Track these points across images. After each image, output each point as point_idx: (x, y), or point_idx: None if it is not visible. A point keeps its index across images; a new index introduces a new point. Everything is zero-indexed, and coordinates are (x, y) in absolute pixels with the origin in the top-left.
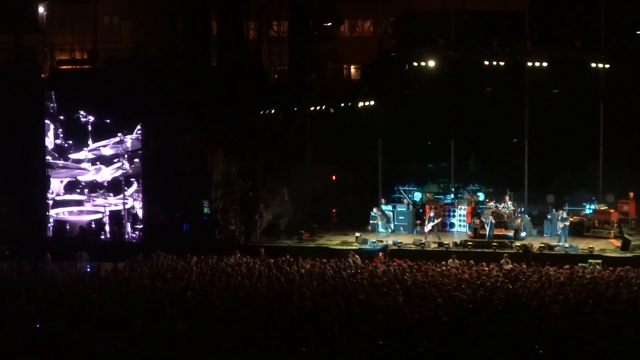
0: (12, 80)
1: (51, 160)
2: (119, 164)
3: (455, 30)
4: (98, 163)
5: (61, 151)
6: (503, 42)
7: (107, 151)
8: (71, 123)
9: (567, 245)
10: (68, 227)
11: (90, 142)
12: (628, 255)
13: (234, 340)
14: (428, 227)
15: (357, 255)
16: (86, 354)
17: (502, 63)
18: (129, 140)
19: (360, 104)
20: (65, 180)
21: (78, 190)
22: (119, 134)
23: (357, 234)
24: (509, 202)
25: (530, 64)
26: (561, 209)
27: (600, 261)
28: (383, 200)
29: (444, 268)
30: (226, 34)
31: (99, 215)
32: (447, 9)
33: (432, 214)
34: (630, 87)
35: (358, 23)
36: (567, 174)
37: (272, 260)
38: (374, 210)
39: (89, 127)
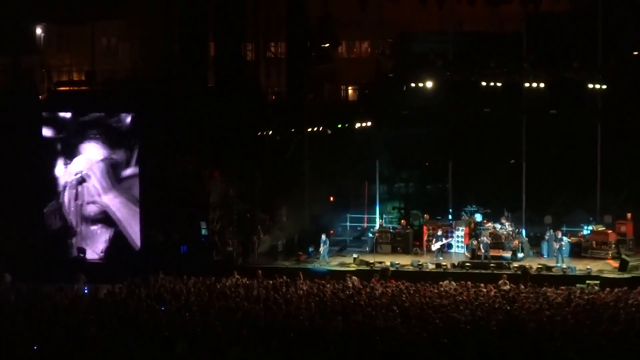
0: (9, 102)
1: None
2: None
3: (452, 51)
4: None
5: None
6: (500, 63)
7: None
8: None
9: (564, 266)
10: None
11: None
12: (626, 276)
13: None
14: (436, 245)
15: (355, 277)
16: None
17: (499, 84)
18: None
19: (358, 124)
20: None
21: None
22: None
23: (355, 255)
24: (507, 223)
25: (527, 84)
26: (559, 229)
27: (598, 282)
28: (323, 236)
29: (442, 289)
30: (223, 55)
31: None
32: (444, 30)
33: (439, 233)
34: (628, 107)
35: (355, 44)
36: (564, 195)
37: (270, 282)
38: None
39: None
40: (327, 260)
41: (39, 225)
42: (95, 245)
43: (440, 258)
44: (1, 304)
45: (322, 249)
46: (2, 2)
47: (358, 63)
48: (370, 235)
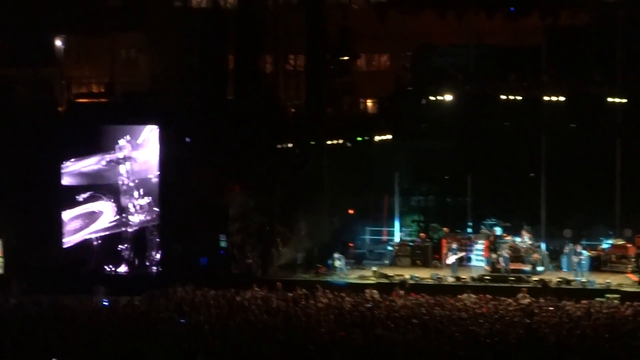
0: (29, 114)
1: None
2: None
3: (472, 64)
4: None
5: None
6: (520, 77)
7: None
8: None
9: (584, 279)
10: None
11: None
12: None
13: None
14: (451, 259)
15: (374, 290)
16: None
17: (518, 97)
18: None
19: (377, 137)
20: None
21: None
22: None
23: (374, 268)
24: (527, 237)
25: (547, 98)
26: (578, 243)
27: (618, 296)
28: (336, 254)
29: (461, 303)
30: (242, 68)
31: None
32: (463, 44)
33: (454, 246)
34: None
35: (375, 57)
36: (584, 209)
37: (289, 294)
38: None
39: None
40: (347, 273)
41: (58, 237)
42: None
43: (455, 272)
44: (16, 313)
45: (339, 264)
46: (22, 14)
47: (377, 76)
48: (390, 248)
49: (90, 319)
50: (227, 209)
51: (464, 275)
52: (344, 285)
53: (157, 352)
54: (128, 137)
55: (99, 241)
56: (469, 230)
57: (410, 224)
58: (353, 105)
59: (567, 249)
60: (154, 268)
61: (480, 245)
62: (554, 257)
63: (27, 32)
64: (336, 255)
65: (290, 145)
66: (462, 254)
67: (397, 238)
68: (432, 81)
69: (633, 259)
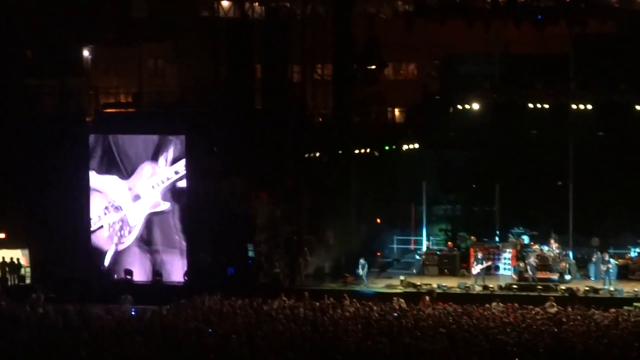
0: (57, 124)
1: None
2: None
3: (499, 73)
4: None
5: None
6: (547, 85)
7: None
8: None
9: (612, 288)
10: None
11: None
12: None
13: None
14: (476, 269)
15: (402, 299)
16: None
17: (546, 106)
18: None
19: (405, 146)
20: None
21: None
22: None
23: (402, 277)
24: (554, 245)
25: (574, 106)
26: (606, 252)
27: None
28: (362, 260)
29: (488, 311)
30: (270, 78)
31: None
32: (491, 52)
33: (479, 256)
34: None
35: (402, 66)
36: (612, 217)
37: (317, 304)
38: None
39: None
40: (366, 283)
41: (86, 247)
42: (142, 266)
43: (481, 282)
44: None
45: (362, 272)
46: (50, 25)
47: (404, 85)
48: (417, 257)
49: (118, 328)
50: (255, 219)
51: (492, 284)
52: (372, 295)
53: None
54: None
55: (126, 250)
56: (497, 239)
57: (438, 233)
58: (380, 114)
59: (594, 258)
60: (182, 278)
61: (507, 254)
62: (582, 265)
63: (55, 42)
64: (361, 261)
65: (317, 154)
66: (489, 263)
67: (424, 247)
68: (459, 90)
69: None
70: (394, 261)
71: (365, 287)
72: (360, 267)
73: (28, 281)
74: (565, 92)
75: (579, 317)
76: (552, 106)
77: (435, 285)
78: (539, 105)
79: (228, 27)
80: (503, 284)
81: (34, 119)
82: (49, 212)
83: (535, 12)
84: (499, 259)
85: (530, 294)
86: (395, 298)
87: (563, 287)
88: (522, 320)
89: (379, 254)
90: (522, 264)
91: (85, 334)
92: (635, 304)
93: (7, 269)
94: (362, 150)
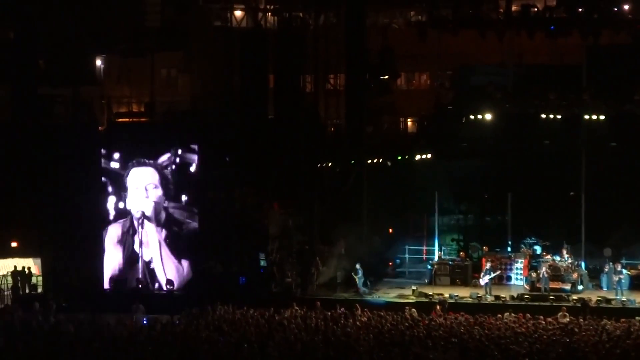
0: (69, 133)
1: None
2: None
3: (512, 83)
4: None
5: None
6: (560, 96)
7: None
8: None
9: (624, 298)
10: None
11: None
12: None
13: None
14: (485, 279)
15: (413, 309)
16: None
17: (559, 116)
18: None
19: (417, 156)
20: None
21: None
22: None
23: (414, 287)
24: (566, 255)
25: (587, 117)
26: (618, 262)
27: None
28: (357, 265)
29: (500, 322)
30: (283, 87)
31: None
32: (504, 62)
33: (488, 267)
34: None
35: (415, 76)
36: (624, 228)
37: (328, 313)
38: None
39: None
40: (363, 290)
41: (97, 256)
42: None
43: (490, 293)
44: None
45: (357, 277)
46: (63, 34)
47: (417, 95)
48: (429, 267)
49: (130, 338)
50: (267, 228)
51: (504, 294)
52: (383, 304)
53: None
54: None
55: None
56: (509, 249)
57: (450, 243)
58: (393, 124)
59: (607, 268)
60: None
61: (519, 264)
62: (594, 275)
63: (68, 52)
64: (357, 266)
65: (330, 164)
66: (497, 273)
67: (436, 257)
68: (472, 100)
69: None
70: (406, 271)
71: (363, 293)
72: (356, 272)
73: (40, 290)
74: (578, 103)
75: (591, 328)
76: (564, 117)
77: (447, 295)
78: (551, 116)
79: (241, 37)
80: (515, 294)
81: (47, 128)
82: (62, 221)
83: (548, 22)
84: (511, 269)
85: (543, 304)
86: (407, 308)
87: (575, 297)
88: (534, 330)
89: (390, 263)
90: (534, 274)
91: (97, 343)
92: None
93: (19, 277)
94: (375, 160)
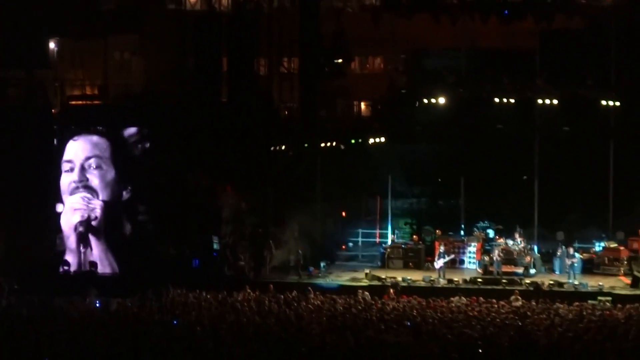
0: (23, 116)
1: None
2: None
3: (465, 67)
4: None
5: None
6: (513, 80)
7: None
8: None
9: (576, 282)
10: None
11: None
12: (638, 292)
13: None
14: (439, 263)
15: (366, 292)
16: None
17: (512, 100)
18: None
19: (371, 140)
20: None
21: None
22: None
23: (367, 271)
24: (519, 239)
25: (540, 101)
26: (571, 246)
27: (610, 298)
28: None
29: (453, 305)
30: (236, 70)
31: None
32: (457, 47)
33: (441, 250)
34: None
35: (368, 60)
36: (577, 212)
37: (281, 296)
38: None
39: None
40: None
41: (50, 238)
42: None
43: (444, 276)
44: (7, 314)
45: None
46: (16, 17)
47: (371, 79)
48: (382, 250)
49: (82, 320)
50: (220, 211)
51: (457, 277)
52: (336, 288)
53: (149, 353)
54: None
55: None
56: (462, 232)
57: (403, 227)
58: (346, 108)
59: (559, 252)
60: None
61: (472, 248)
62: (547, 259)
63: (21, 34)
64: (299, 252)
65: (283, 147)
66: (451, 256)
67: (389, 240)
68: (425, 84)
69: (625, 262)
70: (359, 255)
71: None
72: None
73: None
74: (531, 87)
75: (543, 311)
76: (518, 101)
77: (400, 279)
78: (505, 100)
79: (195, 20)
80: (468, 278)
81: (0, 110)
82: (14, 204)
83: (502, 7)
84: (464, 253)
85: (495, 287)
86: (360, 291)
87: (528, 280)
88: (487, 313)
89: (343, 247)
90: (487, 258)
91: (50, 325)
92: (599, 298)
93: None
94: (328, 144)
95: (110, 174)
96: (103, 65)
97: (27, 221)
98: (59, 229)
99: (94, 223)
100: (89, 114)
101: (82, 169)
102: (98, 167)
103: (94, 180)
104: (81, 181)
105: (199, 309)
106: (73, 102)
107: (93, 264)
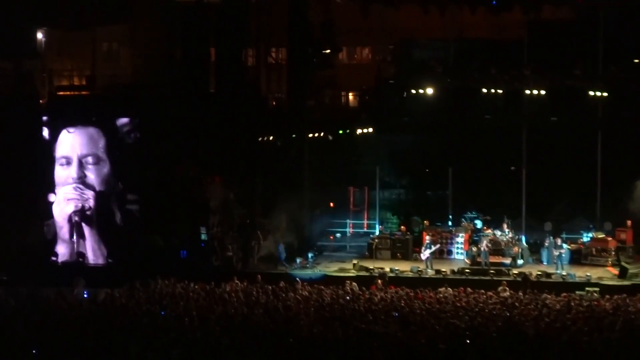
0: (10, 106)
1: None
2: None
3: (453, 58)
4: None
5: None
6: (501, 70)
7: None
8: None
9: (564, 273)
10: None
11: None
12: (625, 283)
13: None
14: (426, 254)
15: (354, 283)
16: None
17: (500, 91)
18: None
19: (359, 131)
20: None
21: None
22: None
23: (355, 261)
24: (507, 230)
25: (528, 91)
26: (559, 236)
27: (597, 289)
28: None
29: (441, 295)
30: (224, 61)
31: None
32: (445, 37)
33: (429, 241)
34: (628, 115)
35: (356, 50)
36: (564, 202)
37: (269, 287)
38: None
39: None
40: (286, 265)
41: (38, 229)
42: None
43: (431, 267)
44: None
45: (282, 256)
46: (3, 7)
47: (359, 69)
48: (370, 241)
49: (70, 310)
50: (208, 202)
51: (444, 268)
52: (324, 278)
53: (137, 344)
54: None
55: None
56: (450, 223)
57: (391, 217)
58: (335, 98)
59: (547, 242)
60: (135, 260)
61: (460, 239)
62: (534, 250)
63: (9, 24)
64: (280, 247)
65: (271, 137)
66: (437, 246)
67: (377, 231)
68: (413, 74)
69: (613, 252)
70: (347, 245)
71: (286, 268)
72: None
73: None
74: (519, 78)
75: (531, 302)
76: (506, 91)
77: (387, 269)
78: (492, 91)
79: (183, 10)
80: (456, 269)
81: None
82: (3, 194)
83: None
84: (451, 244)
85: (483, 278)
86: (347, 281)
87: (515, 271)
88: (475, 304)
89: (331, 237)
90: (474, 249)
91: (37, 316)
92: (587, 288)
93: None
94: (316, 134)
95: (106, 167)
96: (91, 55)
97: (16, 212)
98: (50, 218)
99: (88, 213)
100: (77, 105)
101: (80, 165)
102: (95, 163)
103: (91, 175)
104: (79, 177)
105: (186, 299)
106: (61, 93)
107: (81, 255)
